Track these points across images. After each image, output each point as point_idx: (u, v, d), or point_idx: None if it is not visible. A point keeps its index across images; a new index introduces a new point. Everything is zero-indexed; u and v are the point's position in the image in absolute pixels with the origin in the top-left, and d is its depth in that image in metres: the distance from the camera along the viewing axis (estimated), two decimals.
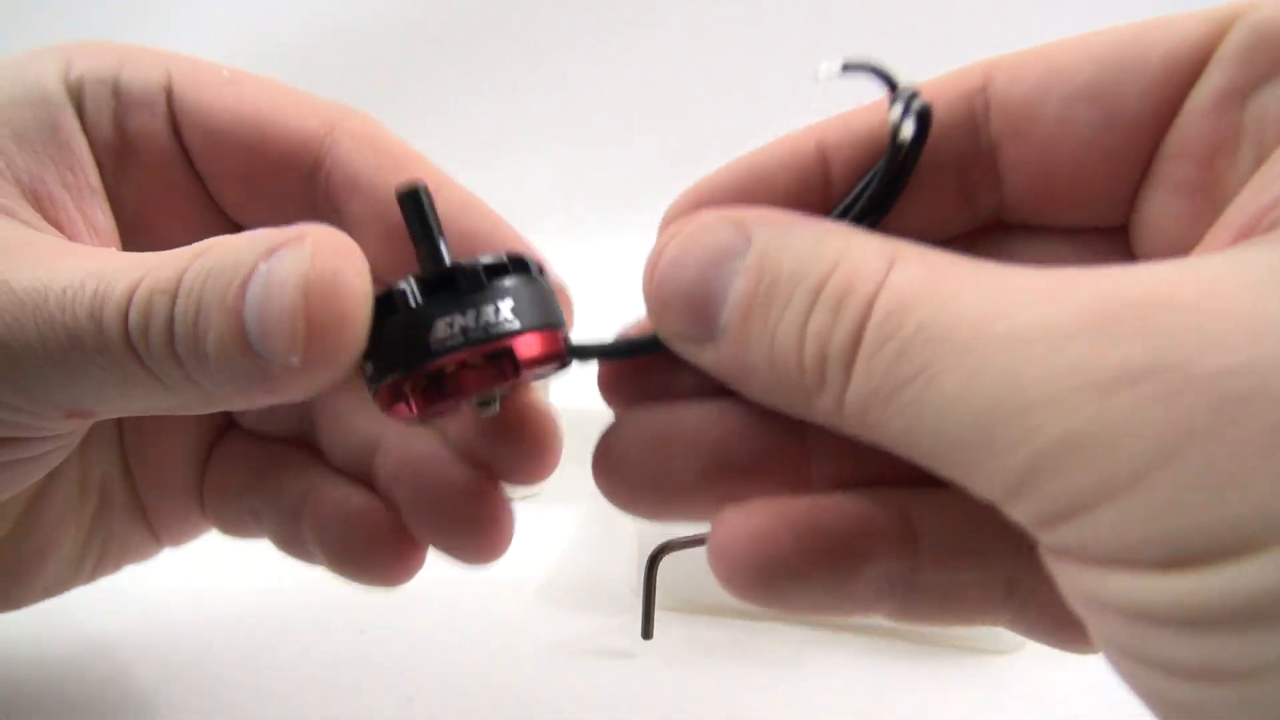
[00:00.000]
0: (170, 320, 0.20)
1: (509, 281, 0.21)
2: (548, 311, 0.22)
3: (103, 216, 0.26)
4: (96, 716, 0.32)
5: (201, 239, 0.21)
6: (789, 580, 0.20)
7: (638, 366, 0.23)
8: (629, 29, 0.78)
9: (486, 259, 0.21)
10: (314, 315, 0.19)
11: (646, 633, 0.35)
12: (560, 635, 0.39)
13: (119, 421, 0.30)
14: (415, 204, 0.23)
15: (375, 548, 0.27)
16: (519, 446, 0.26)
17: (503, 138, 0.80)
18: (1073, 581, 0.16)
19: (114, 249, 0.26)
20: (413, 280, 0.21)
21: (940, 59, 0.23)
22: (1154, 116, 0.20)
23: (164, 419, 0.30)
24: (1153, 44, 0.20)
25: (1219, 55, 0.20)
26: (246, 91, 0.26)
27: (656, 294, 0.20)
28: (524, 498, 0.51)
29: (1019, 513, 0.16)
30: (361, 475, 0.28)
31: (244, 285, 0.19)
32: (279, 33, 0.79)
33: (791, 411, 0.20)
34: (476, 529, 0.26)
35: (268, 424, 0.31)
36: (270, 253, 0.20)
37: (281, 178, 0.26)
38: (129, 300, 0.20)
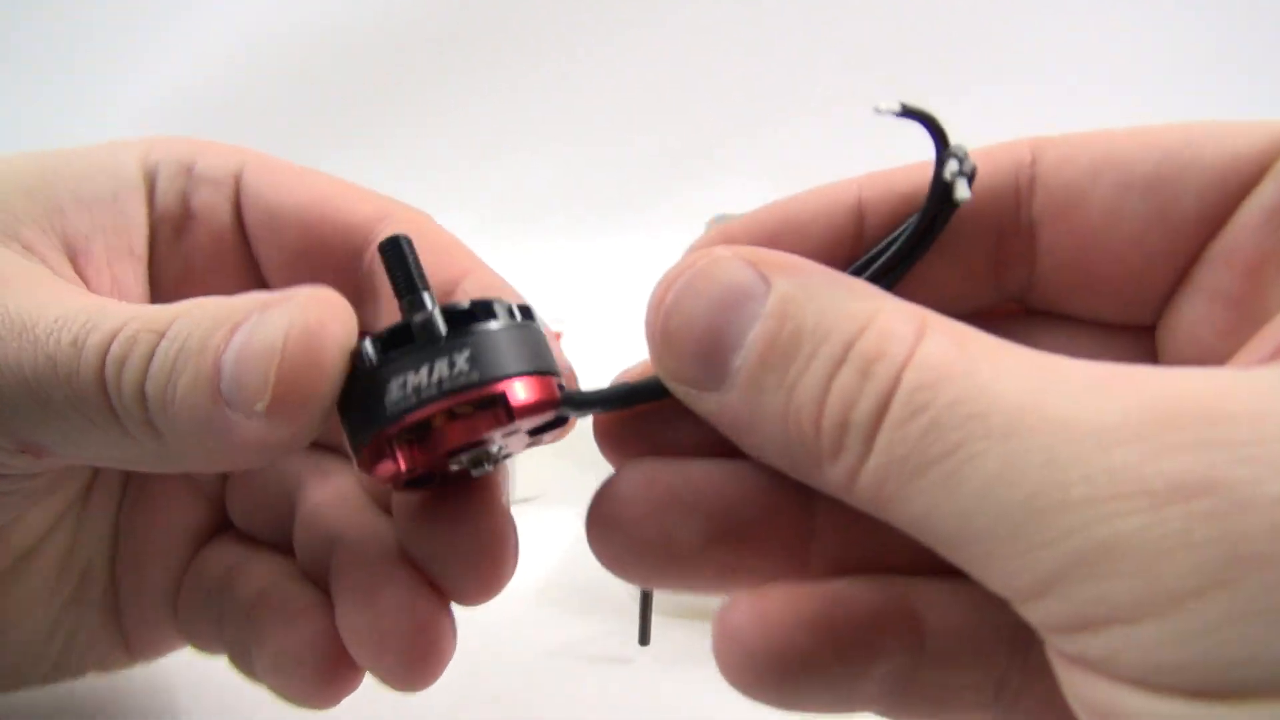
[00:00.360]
0: (149, 357, 0.20)
1: (477, 327, 0.20)
2: (535, 357, 0.20)
3: (133, 279, 0.26)
4: (96, 716, 0.32)
5: None
6: (800, 674, 0.18)
7: (639, 414, 0.22)
8: (629, 29, 0.78)
9: (448, 306, 0.20)
10: (288, 361, 0.19)
11: (644, 638, 0.35)
12: (558, 640, 0.38)
13: (120, 499, 0.30)
14: (397, 254, 0.21)
15: (307, 657, 0.25)
16: (467, 556, 0.24)
17: (503, 138, 0.80)
18: (1083, 691, 0.15)
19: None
20: (369, 339, 0.20)
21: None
22: (1204, 219, 0.20)
23: (164, 504, 0.29)
24: (1213, 147, 0.20)
25: (1275, 169, 0.19)
26: (311, 180, 0.27)
27: (662, 330, 0.19)
28: (524, 500, 0.51)
29: (1038, 612, 0.15)
30: (323, 580, 0.26)
31: (232, 331, 0.19)
32: (279, 33, 0.79)
33: (795, 474, 0.18)
34: (409, 651, 0.24)
35: (257, 521, 0.29)
36: (265, 308, 0.20)
37: (330, 259, 0.26)
38: (115, 334, 0.20)
